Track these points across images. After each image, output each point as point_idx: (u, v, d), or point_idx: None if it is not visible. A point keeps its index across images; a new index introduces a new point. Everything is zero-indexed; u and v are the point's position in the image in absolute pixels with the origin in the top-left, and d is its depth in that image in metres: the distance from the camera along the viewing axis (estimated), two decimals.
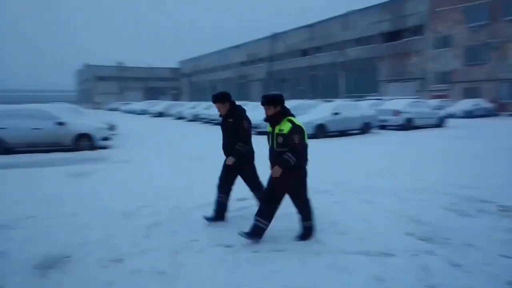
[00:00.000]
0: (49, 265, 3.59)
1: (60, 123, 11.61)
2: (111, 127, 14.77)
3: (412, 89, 36.22)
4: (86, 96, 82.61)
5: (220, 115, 4.60)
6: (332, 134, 15.14)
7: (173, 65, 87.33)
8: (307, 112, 15.80)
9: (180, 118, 29.58)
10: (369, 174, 7.50)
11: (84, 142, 11.84)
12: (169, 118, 31.95)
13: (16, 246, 4.03)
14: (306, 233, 4.06)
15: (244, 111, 4.63)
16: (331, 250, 3.79)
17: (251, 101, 30.62)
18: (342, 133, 15.55)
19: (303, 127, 3.78)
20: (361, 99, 26.64)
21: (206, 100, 42.32)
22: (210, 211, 4.83)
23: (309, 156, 3.97)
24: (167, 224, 4.69)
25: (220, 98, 4.51)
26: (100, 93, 77.45)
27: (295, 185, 3.92)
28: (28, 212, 5.19)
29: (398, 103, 18.76)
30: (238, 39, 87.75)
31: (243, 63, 61.29)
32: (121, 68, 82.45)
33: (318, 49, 48.17)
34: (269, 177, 3.93)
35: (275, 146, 3.81)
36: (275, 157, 3.83)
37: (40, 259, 3.69)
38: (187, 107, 30.86)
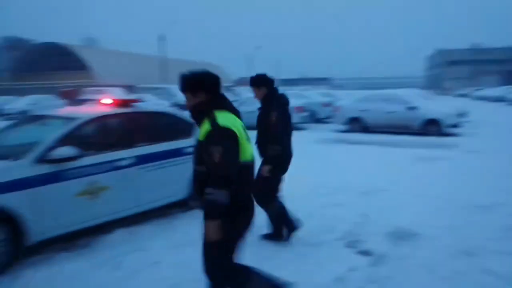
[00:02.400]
0: (400, 236, 3.95)
1: (412, 108, 12.16)
2: (461, 114, 13.89)
3: None
4: (433, 82, 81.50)
5: None
6: None
7: None
8: None
9: None
10: None
11: (432, 127, 11.85)
12: None
13: (374, 212, 4.67)
14: None
15: (282, 99, 3.63)
16: None
17: None
18: None
19: (233, 128, 2.12)
20: None
21: None
22: None
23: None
24: None
25: (255, 81, 3.63)
26: (450, 78, 74.08)
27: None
28: (382, 185, 5.85)
29: None
30: None
31: None
32: (475, 50, 75.24)
33: None
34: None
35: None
36: (196, 182, 2.34)
37: (392, 229, 4.11)
38: None
